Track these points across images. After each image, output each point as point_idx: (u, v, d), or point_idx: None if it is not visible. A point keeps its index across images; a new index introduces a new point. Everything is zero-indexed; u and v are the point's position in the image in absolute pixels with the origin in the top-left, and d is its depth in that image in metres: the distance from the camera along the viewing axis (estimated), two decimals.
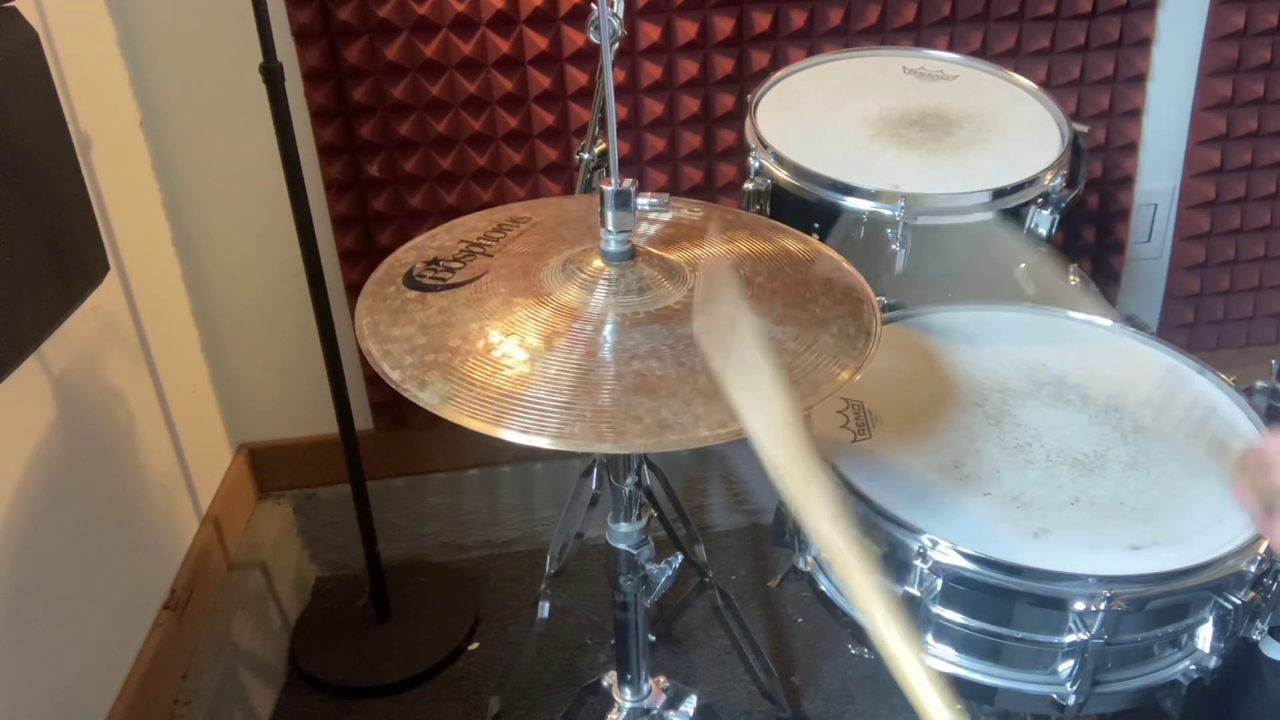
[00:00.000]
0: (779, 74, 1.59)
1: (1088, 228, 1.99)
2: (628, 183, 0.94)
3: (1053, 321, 1.38)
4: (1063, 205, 1.39)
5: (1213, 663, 1.08)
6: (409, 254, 1.05)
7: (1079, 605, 1.02)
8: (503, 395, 0.85)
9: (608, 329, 0.92)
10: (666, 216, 1.11)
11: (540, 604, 1.60)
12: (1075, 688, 1.05)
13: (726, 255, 1.05)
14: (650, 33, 1.73)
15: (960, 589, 1.06)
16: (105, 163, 1.48)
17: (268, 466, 1.98)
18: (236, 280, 1.82)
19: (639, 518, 1.10)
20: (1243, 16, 1.83)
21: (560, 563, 1.62)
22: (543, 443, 0.81)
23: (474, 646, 1.88)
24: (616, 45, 1.30)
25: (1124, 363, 1.30)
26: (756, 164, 1.44)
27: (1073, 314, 1.38)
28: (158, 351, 1.63)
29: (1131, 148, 1.93)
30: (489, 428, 0.82)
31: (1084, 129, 1.47)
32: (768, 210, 1.44)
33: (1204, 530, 1.07)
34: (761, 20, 1.74)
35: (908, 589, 1.07)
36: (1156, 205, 1.99)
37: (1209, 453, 1.02)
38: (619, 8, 1.23)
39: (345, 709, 1.77)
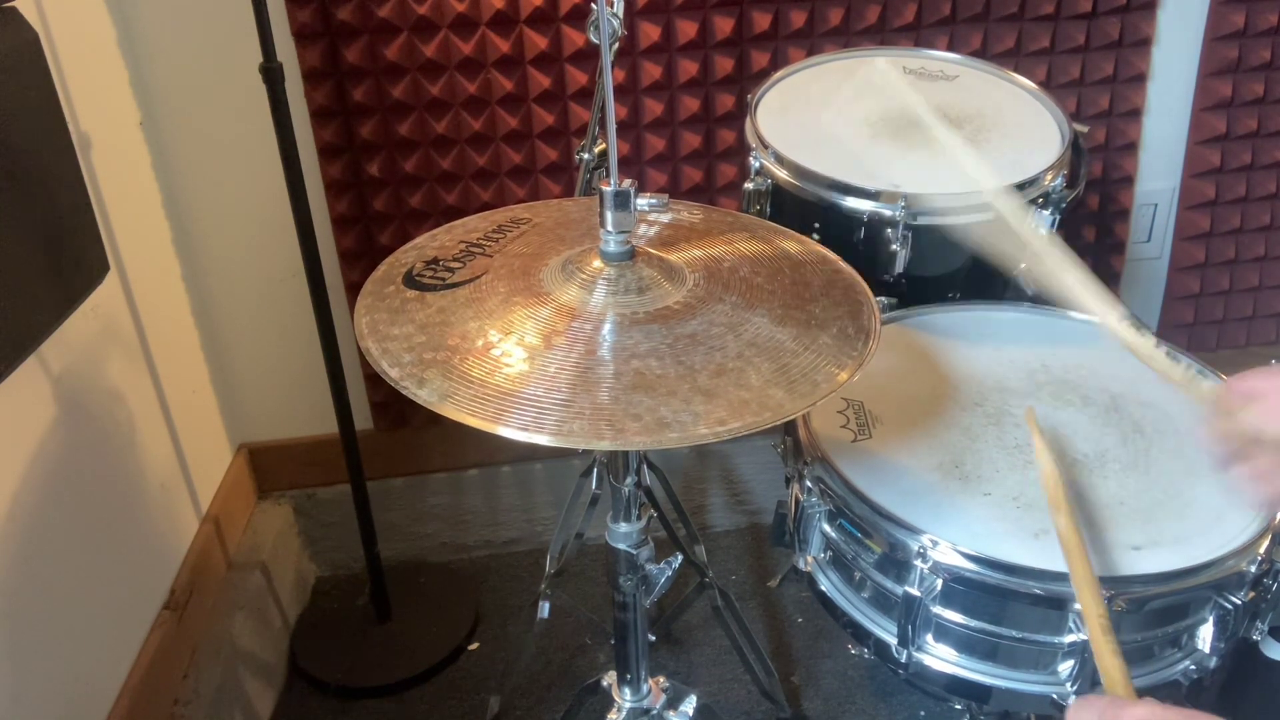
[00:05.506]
0: (779, 74, 1.59)
1: (1088, 228, 1.99)
2: (627, 183, 0.93)
3: (1053, 321, 1.38)
4: (1063, 205, 1.39)
5: (1213, 663, 1.08)
6: (409, 254, 1.05)
7: (1079, 605, 1.02)
8: (501, 393, 0.85)
9: (607, 328, 0.92)
10: (666, 218, 1.11)
11: (540, 604, 1.60)
12: (1075, 688, 1.05)
13: None
14: (650, 33, 1.73)
15: (960, 589, 1.06)
16: (105, 163, 1.48)
17: (268, 466, 1.98)
18: (236, 280, 1.82)
19: (639, 518, 1.10)
20: (1243, 16, 1.83)
21: (560, 563, 1.62)
22: (541, 439, 0.81)
23: (474, 646, 1.88)
24: (616, 45, 1.30)
25: (1124, 363, 1.30)
26: (756, 164, 1.44)
27: (1073, 314, 1.38)
28: (158, 351, 1.63)
29: (1131, 148, 1.93)
30: (487, 425, 0.82)
31: (1084, 129, 1.47)
32: (768, 210, 1.44)
33: (1204, 530, 1.07)
34: (761, 20, 1.74)
35: (908, 589, 1.07)
36: (1156, 205, 1.99)
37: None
38: (619, 8, 1.23)
39: (345, 709, 1.77)
